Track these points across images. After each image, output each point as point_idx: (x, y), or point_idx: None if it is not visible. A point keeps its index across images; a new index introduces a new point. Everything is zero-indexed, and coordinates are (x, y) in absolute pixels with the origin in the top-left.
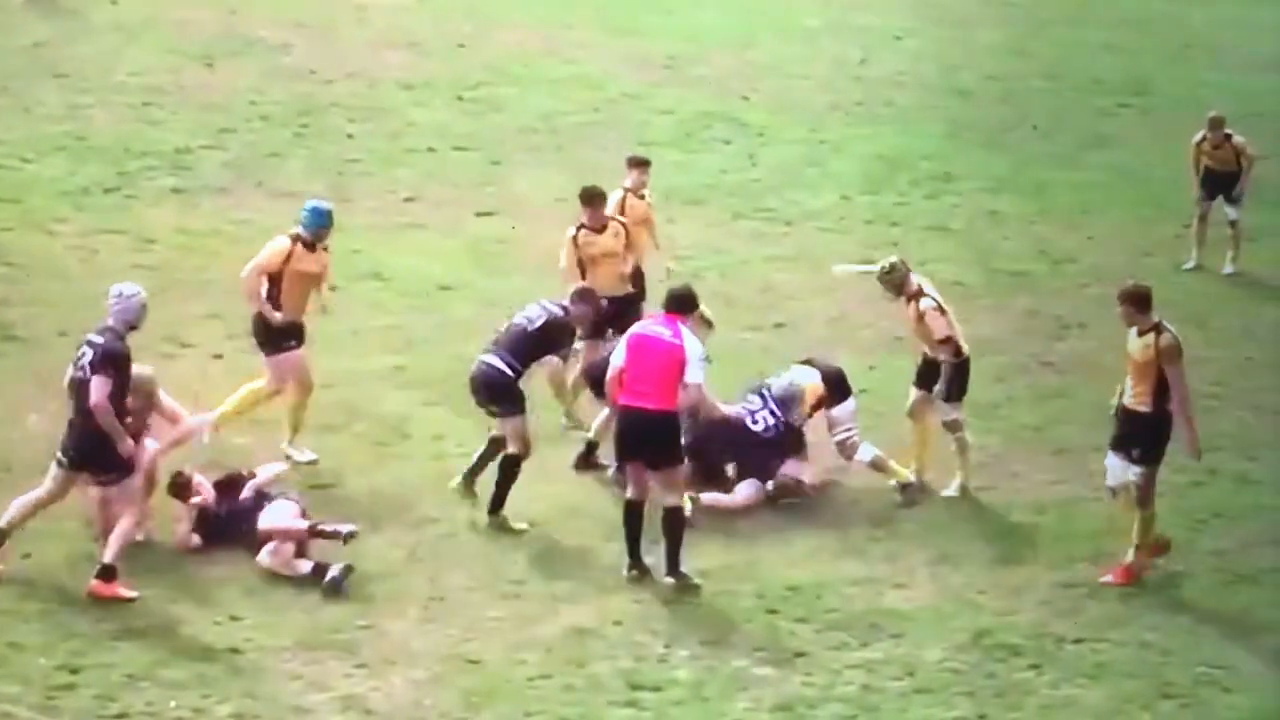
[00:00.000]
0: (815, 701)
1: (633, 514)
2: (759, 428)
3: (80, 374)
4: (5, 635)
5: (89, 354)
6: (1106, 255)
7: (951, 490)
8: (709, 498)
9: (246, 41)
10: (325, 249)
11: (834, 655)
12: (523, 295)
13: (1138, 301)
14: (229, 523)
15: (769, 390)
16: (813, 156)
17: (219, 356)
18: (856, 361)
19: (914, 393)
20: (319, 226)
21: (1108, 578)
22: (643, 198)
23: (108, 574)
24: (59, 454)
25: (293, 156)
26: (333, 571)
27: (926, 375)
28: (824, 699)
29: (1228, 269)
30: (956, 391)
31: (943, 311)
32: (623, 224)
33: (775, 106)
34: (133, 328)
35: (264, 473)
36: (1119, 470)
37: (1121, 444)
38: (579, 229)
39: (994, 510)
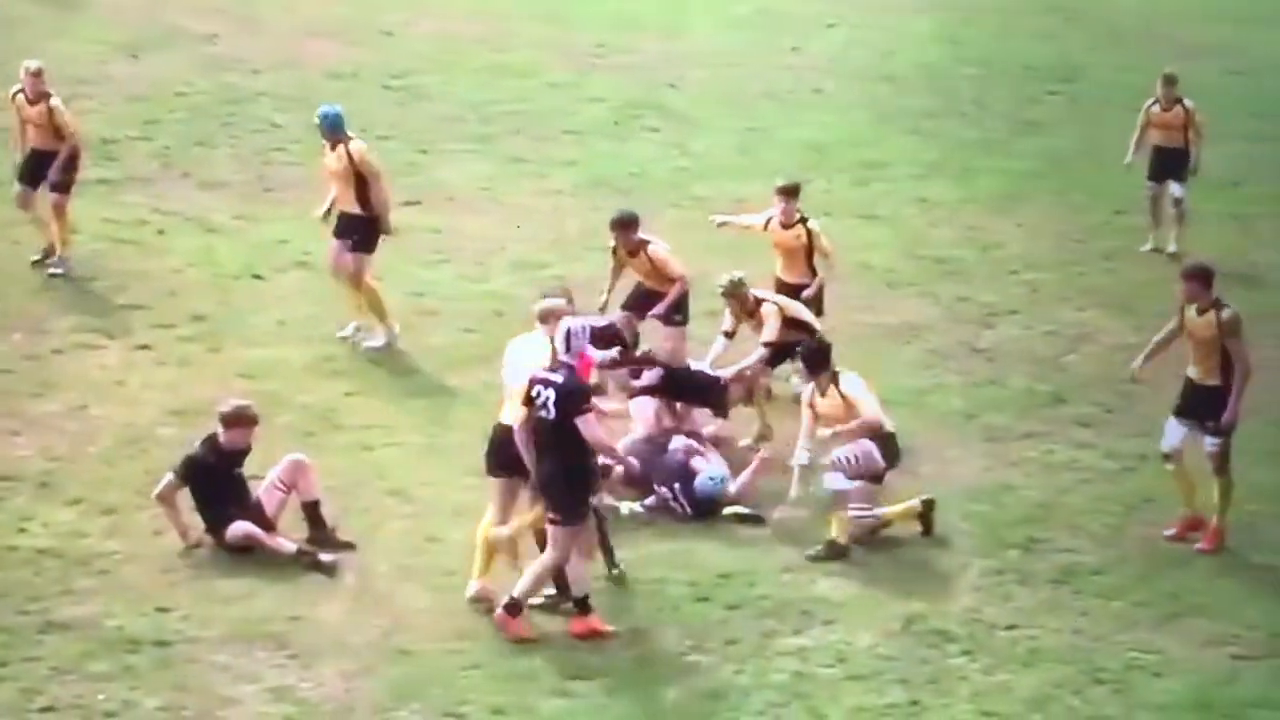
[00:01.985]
0: (748, 689)
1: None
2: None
3: (544, 414)
4: None
5: (549, 394)
6: (1035, 242)
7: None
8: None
9: (172, 31)
10: (343, 145)
11: (766, 643)
12: (450, 286)
13: (1202, 279)
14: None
15: (682, 490)
16: (743, 144)
17: (145, 347)
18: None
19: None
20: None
21: (1201, 545)
22: (790, 226)
23: (584, 607)
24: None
25: (220, 146)
26: (327, 558)
27: (779, 357)
28: (756, 686)
29: (1171, 248)
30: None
31: (782, 310)
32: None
33: (705, 95)
34: None
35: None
36: (1177, 435)
37: (1191, 414)
38: None
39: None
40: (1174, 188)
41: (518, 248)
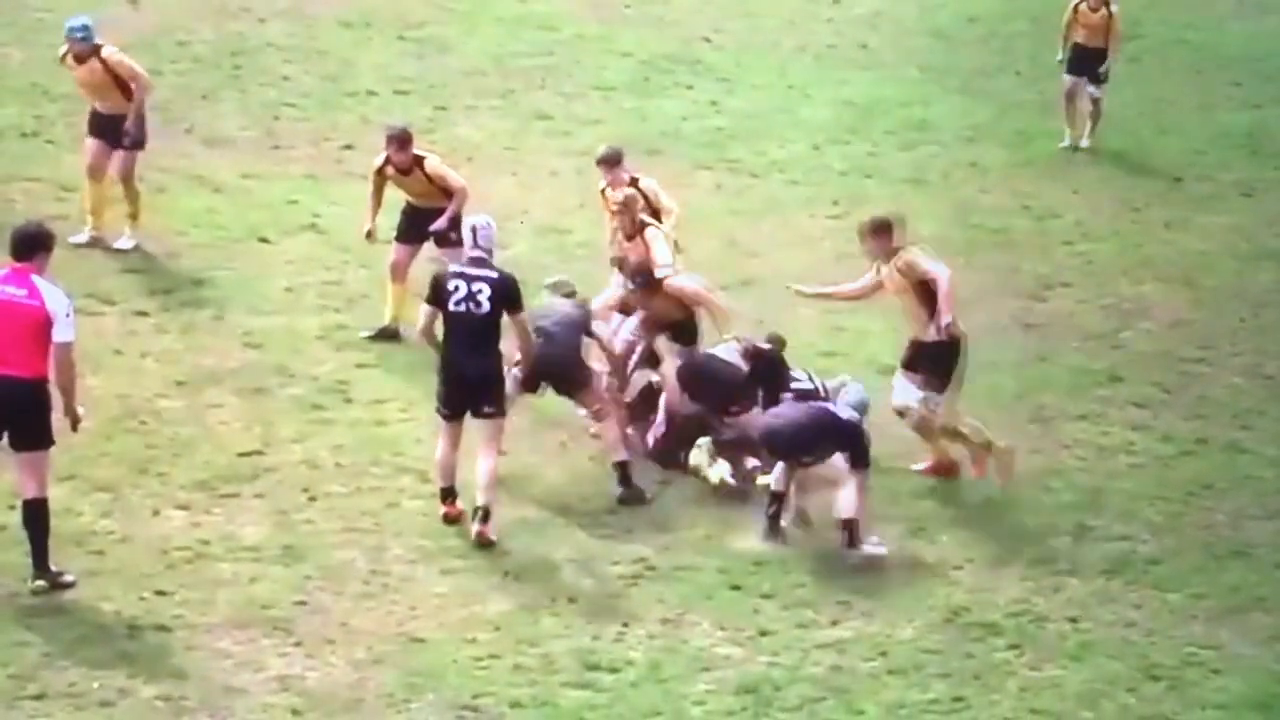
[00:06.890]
0: (781, 683)
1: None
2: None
3: (472, 307)
4: None
5: (485, 289)
6: (1092, 210)
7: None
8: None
9: None
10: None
11: (801, 634)
12: None
13: (884, 232)
14: None
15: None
16: (781, 103)
17: (144, 314)
18: (823, 321)
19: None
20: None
21: (973, 472)
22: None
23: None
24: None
25: (224, 100)
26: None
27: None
28: (791, 680)
29: (1084, 143)
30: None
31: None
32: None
33: (741, 49)
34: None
35: None
36: (903, 393)
37: (912, 368)
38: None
39: (970, 481)
40: (1091, 89)
41: (541, 211)
